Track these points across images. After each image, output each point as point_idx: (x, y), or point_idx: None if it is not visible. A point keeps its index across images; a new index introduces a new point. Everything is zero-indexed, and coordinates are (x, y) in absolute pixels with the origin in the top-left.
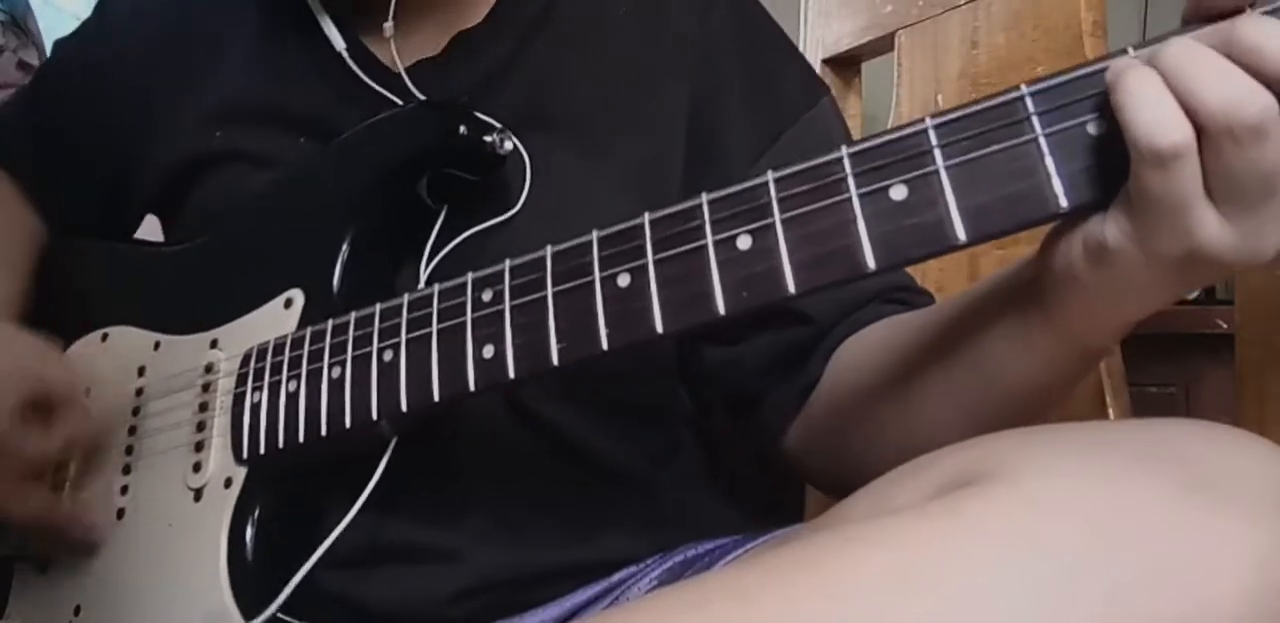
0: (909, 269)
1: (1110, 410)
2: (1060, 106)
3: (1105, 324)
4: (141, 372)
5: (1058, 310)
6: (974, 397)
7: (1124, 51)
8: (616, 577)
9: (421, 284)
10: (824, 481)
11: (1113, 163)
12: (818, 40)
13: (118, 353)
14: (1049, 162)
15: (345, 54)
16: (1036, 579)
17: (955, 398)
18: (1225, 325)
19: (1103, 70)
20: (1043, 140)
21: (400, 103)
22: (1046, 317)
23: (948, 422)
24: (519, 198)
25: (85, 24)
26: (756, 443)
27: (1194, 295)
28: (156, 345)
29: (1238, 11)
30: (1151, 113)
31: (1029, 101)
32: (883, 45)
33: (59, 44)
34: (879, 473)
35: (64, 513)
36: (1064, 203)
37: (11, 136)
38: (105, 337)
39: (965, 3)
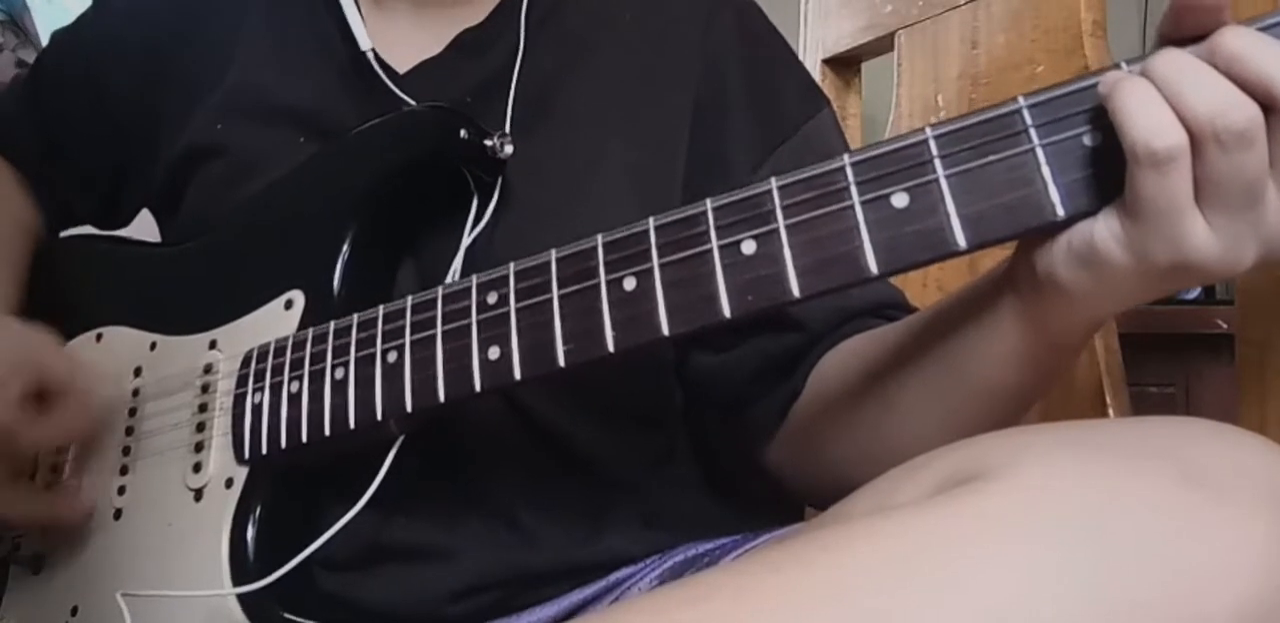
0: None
1: (1110, 410)
2: (1057, 119)
3: (1078, 322)
4: (138, 372)
5: (1033, 309)
6: (950, 397)
7: (1117, 66)
8: (615, 576)
9: (455, 276)
10: (804, 492)
11: (1107, 173)
12: (818, 40)
13: (113, 353)
14: (1046, 171)
15: (371, 55)
16: (1035, 573)
17: (931, 400)
18: (1225, 325)
19: (1095, 84)
20: (1040, 151)
21: (407, 103)
22: (1020, 315)
23: (925, 426)
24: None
25: (84, 14)
26: (741, 451)
27: (1194, 295)
28: (153, 346)
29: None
30: (1147, 117)
31: (1026, 114)
32: (883, 45)
33: (57, 34)
34: (857, 485)
35: (52, 512)
36: (1061, 211)
37: (11, 126)
38: (100, 337)
39: (965, 3)
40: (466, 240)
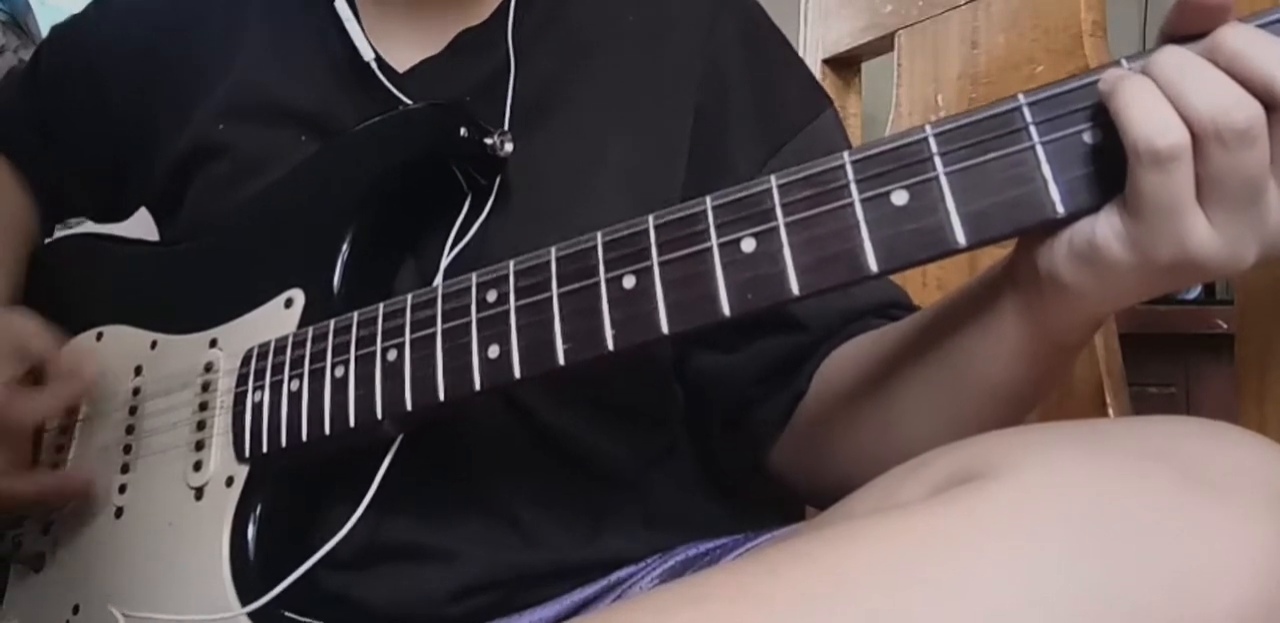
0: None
1: (1110, 410)
2: (1057, 116)
3: (1079, 320)
4: (138, 371)
5: (1034, 307)
6: (952, 397)
7: (1117, 63)
8: (615, 576)
9: (439, 280)
10: (808, 492)
11: (1108, 170)
12: (818, 40)
13: (113, 352)
14: (1046, 169)
15: (374, 65)
16: (1035, 573)
17: (934, 399)
18: (1225, 325)
19: (1096, 81)
20: (1040, 148)
21: (407, 103)
22: (1021, 313)
23: (927, 425)
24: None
25: (85, 11)
26: (745, 453)
27: (1194, 295)
28: (153, 345)
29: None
30: (1149, 116)
31: (1026, 111)
32: (883, 45)
33: (55, 30)
34: (861, 485)
35: (55, 487)
36: (1061, 209)
37: (9, 122)
38: (100, 336)
39: (965, 3)
40: (456, 240)
